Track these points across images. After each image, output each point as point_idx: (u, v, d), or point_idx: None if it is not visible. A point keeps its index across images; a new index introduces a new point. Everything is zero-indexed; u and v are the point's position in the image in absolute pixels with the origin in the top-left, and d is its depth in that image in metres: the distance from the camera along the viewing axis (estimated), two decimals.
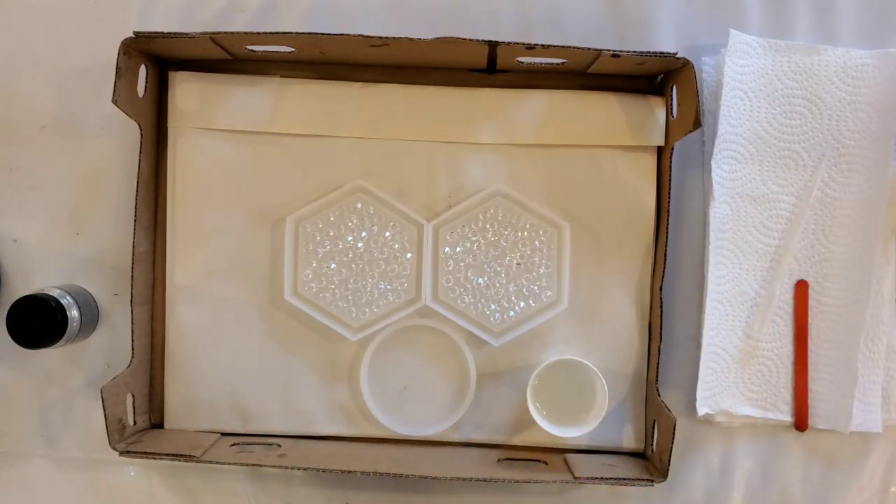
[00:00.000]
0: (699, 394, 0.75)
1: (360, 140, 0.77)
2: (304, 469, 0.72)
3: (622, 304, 0.77)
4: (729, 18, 0.78)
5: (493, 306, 0.77)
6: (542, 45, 0.69)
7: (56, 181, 0.78)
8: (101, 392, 0.68)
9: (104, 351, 0.78)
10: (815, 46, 0.76)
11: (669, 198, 0.73)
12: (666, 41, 0.78)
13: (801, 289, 0.77)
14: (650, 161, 0.77)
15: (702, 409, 0.76)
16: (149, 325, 0.77)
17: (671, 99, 0.75)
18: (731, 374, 0.77)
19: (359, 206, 0.77)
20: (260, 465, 0.71)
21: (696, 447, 0.78)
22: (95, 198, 0.78)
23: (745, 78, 0.76)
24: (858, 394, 0.75)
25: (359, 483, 0.77)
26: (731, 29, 0.75)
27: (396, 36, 0.69)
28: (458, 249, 0.77)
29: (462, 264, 0.77)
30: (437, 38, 0.69)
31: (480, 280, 0.77)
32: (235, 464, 0.71)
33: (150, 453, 0.70)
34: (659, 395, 0.73)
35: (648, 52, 0.70)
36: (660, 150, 0.77)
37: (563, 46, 0.69)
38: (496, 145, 0.77)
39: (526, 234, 0.77)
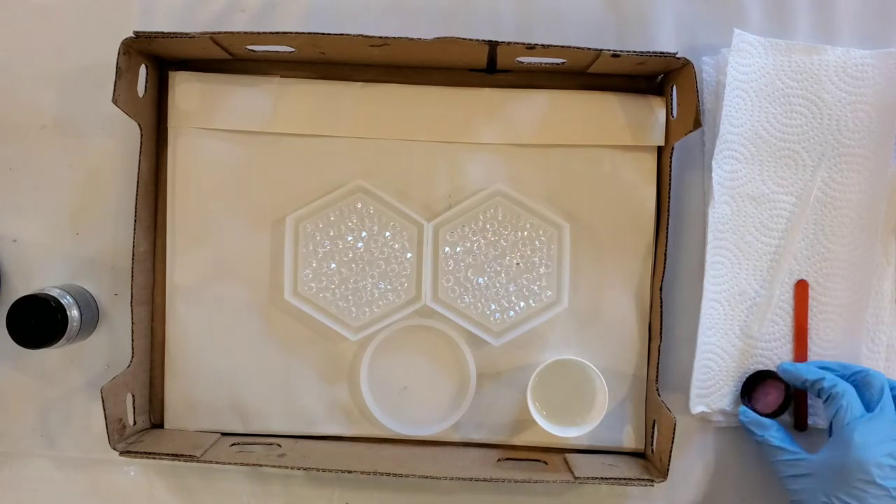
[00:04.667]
0: (693, 392, 0.76)
1: (360, 140, 0.77)
2: (304, 469, 0.72)
3: (622, 304, 0.77)
4: (729, 18, 0.78)
5: (493, 306, 0.77)
6: (542, 45, 0.69)
7: (56, 181, 0.78)
8: (101, 392, 0.68)
9: (104, 351, 0.78)
10: (816, 46, 0.77)
11: (669, 198, 0.73)
12: (666, 41, 0.78)
13: (801, 288, 0.77)
14: (650, 161, 0.77)
15: (696, 408, 0.76)
16: (149, 325, 0.77)
17: (671, 99, 0.75)
18: (730, 374, 0.77)
19: (359, 205, 0.77)
20: (260, 465, 0.71)
21: (697, 447, 0.78)
22: (95, 198, 0.78)
23: (746, 77, 0.76)
24: None
25: (359, 483, 0.77)
26: (735, 28, 0.75)
27: (396, 36, 0.69)
28: (458, 249, 0.77)
29: (462, 264, 0.77)
30: (437, 38, 0.69)
31: (480, 280, 0.77)
32: (235, 464, 0.71)
33: (150, 453, 0.70)
34: (659, 394, 0.73)
35: (648, 52, 0.70)
36: (660, 150, 0.77)
37: (563, 46, 0.69)
38: (496, 145, 0.77)
39: (526, 234, 0.77)
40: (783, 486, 0.71)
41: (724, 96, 0.75)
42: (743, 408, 0.74)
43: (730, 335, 0.77)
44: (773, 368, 0.76)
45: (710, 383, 0.76)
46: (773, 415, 0.74)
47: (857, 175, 0.77)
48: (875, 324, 0.76)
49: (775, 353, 0.77)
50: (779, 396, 0.75)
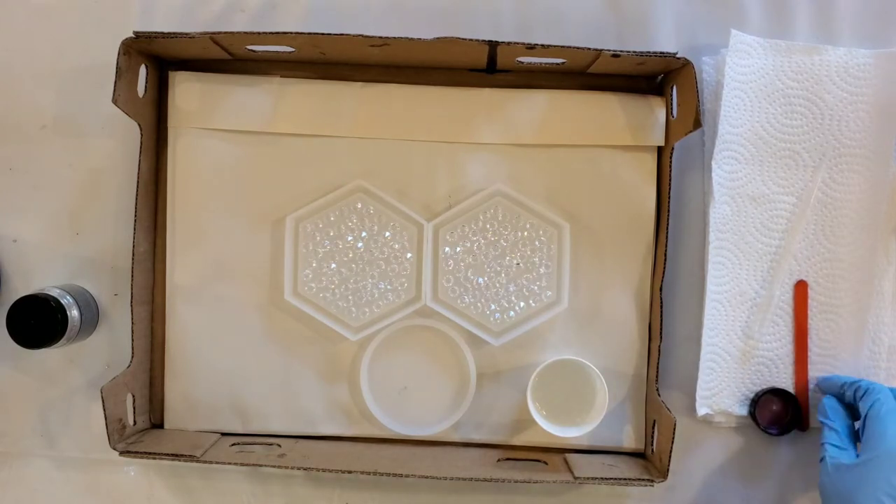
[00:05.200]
0: (699, 394, 0.76)
1: (360, 140, 0.77)
2: (304, 469, 0.72)
3: (622, 304, 0.77)
4: (729, 18, 0.78)
5: (493, 306, 0.77)
6: (542, 45, 0.69)
7: (56, 181, 0.78)
8: (101, 392, 0.68)
9: (104, 351, 0.78)
10: (816, 46, 0.76)
11: (669, 198, 0.73)
12: (666, 41, 0.78)
13: (801, 289, 0.77)
14: (650, 161, 0.77)
15: (701, 410, 0.76)
16: (149, 325, 0.77)
17: (671, 99, 0.75)
18: (731, 375, 0.77)
19: (359, 205, 0.77)
20: (260, 465, 0.71)
21: (696, 447, 0.78)
22: (95, 198, 0.78)
23: (745, 78, 0.76)
24: None
25: (359, 483, 0.77)
26: (732, 29, 0.75)
27: (396, 36, 0.69)
28: (458, 249, 0.77)
29: (462, 264, 0.77)
30: (437, 38, 0.69)
31: (480, 280, 0.77)
32: (235, 464, 0.71)
33: (150, 453, 0.70)
34: (659, 395, 0.73)
35: (648, 52, 0.70)
36: (660, 150, 0.77)
37: (563, 46, 0.69)
38: (496, 145, 0.77)
39: (526, 234, 0.77)
40: (825, 480, 0.68)
41: (722, 97, 0.75)
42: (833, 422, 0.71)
43: (731, 336, 0.77)
44: (774, 369, 0.76)
45: (713, 385, 0.76)
46: (782, 431, 0.76)
47: (858, 175, 0.77)
48: (876, 324, 0.76)
49: (775, 354, 0.77)
50: (786, 411, 0.75)
